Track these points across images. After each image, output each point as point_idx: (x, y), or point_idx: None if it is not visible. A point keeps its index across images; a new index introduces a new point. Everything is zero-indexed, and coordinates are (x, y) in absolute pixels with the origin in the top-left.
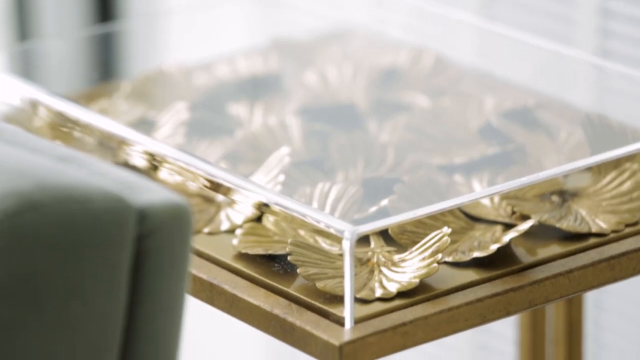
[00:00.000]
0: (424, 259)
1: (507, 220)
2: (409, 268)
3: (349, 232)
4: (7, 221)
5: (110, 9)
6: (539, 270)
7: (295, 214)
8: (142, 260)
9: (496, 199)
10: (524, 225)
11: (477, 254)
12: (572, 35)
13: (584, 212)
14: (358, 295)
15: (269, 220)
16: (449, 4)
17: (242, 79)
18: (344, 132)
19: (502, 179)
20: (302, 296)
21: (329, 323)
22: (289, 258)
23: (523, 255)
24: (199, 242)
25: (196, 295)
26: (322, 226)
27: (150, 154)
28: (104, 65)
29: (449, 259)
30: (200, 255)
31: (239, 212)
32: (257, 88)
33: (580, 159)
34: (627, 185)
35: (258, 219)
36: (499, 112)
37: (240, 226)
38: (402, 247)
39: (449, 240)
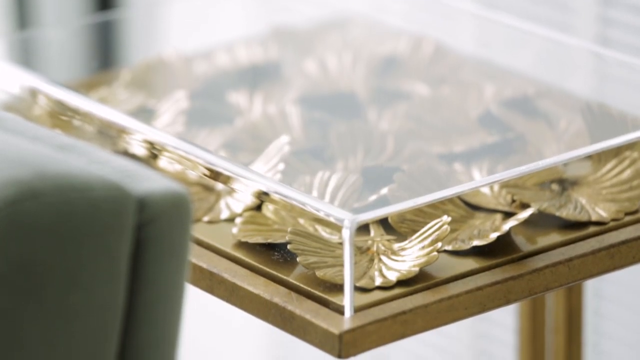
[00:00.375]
0: (423, 247)
1: (506, 208)
2: (408, 257)
3: (348, 220)
4: (7, 210)
5: None
6: (539, 259)
7: (295, 203)
8: (141, 249)
9: (496, 187)
10: (524, 214)
11: (476, 243)
12: (572, 23)
13: (583, 201)
14: (358, 284)
15: (268, 209)
16: None
17: (241, 67)
18: (344, 120)
19: (502, 167)
20: (301, 285)
21: (328, 312)
22: (288, 247)
23: (523, 243)
24: (199, 231)
25: (196, 283)
26: (321, 215)
27: (149, 143)
28: (104, 54)
29: (449, 247)
30: (200, 244)
31: (239, 200)
32: (257, 76)
33: (580, 148)
34: (627, 173)
35: (258, 208)
36: (498, 100)
37: (240, 215)
38: (402, 236)
39: (448, 229)
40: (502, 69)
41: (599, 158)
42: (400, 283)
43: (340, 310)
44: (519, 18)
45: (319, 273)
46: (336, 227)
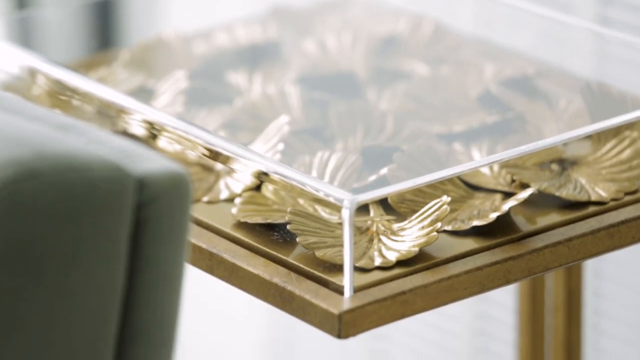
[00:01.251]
0: (423, 227)
1: (506, 188)
2: (408, 237)
3: (348, 200)
4: (6, 189)
5: None
6: (539, 239)
7: (294, 183)
8: (141, 229)
9: (496, 167)
10: (524, 194)
11: (476, 223)
12: (572, 3)
13: (583, 181)
14: (357, 264)
15: (268, 189)
16: None
17: (241, 47)
18: (343, 100)
19: (501, 147)
20: (301, 265)
21: (328, 292)
22: (288, 227)
23: (522, 223)
24: (198, 211)
25: (195, 264)
26: (321, 195)
27: (149, 123)
28: (103, 34)
29: (449, 227)
30: (200, 224)
31: (238, 180)
32: (257, 56)
33: (580, 127)
34: (627, 153)
35: (257, 188)
36: (498, 80)
37: (240, 195)
38: (402, 216)
39: (448, 209)
40: (501, 48)
41: (598, 138)
42: (399, 263)
43: (339, 291)
44: None
45: (319, 253)
46: (336, 207)
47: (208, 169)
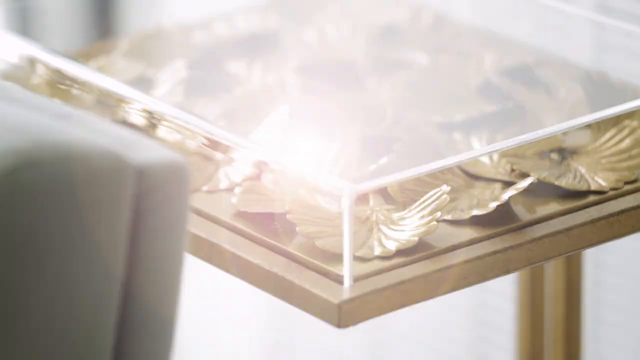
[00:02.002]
0: (423, 217)
1: (506, 178)
2: (408, 226)
3: (348, 190)
4: (6, 179)
5: None
6: (538, 228)
7: (294, 172)
8: (140, 219)
9: (495, 156)
10: (523, 183)
11: (476, 212)
12: None
13: (583, 170)
14: (357, 254)
15: (268, 179)
16: None
17: (240, 37)
18: (343, 90)
19: (501, 136)
20: (301, 254)
21: (328, 281)
22: (288, 216)
23: (522, 213)
24: (198, 201)
25: (195, 253)
26: (321, 184)
27: (148, 112)
28: (103, 23)
29: (448, 217)
30: (199, 213)
31: (238, 170)
32: (256, 46)
33: (580, 117)
34: (627, 142)
35: (257, 178)
36: (498, 69)
37: (239, 184)
38: (401, 206)
39: (448, 199)
40: (501, 37)
41: (598, 127)
42: (399, 253)
43: (339, 280)
44: None
45: (319, 243)
46: (335, 197)
47: (208, 159)
